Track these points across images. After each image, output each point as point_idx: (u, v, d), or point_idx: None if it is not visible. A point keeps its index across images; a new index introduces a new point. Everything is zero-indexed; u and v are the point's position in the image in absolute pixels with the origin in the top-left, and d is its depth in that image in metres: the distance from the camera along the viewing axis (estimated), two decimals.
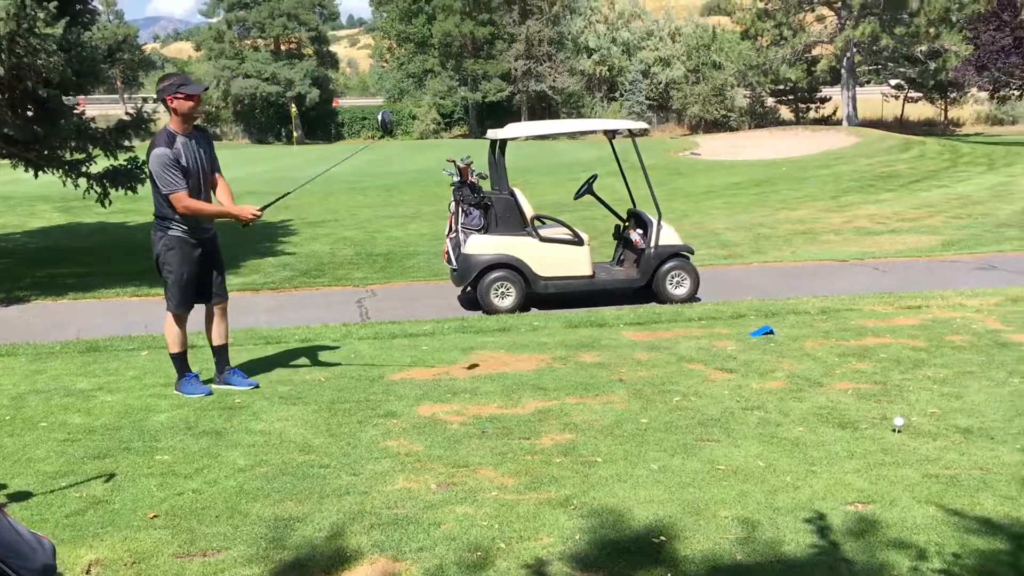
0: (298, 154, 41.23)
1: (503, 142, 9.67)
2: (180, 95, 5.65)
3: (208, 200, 5.95)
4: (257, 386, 6.08)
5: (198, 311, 6.22)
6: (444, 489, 4.33)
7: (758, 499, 4.15)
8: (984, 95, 47.10)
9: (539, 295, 9.38)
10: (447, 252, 9.85)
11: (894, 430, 5.00)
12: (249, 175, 27.98)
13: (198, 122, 6.10)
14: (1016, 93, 40.77)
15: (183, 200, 5.67)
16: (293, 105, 51.07)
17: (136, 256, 13.85)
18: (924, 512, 3.99)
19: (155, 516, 4.05)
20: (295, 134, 50.10)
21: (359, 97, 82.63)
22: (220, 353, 6.18)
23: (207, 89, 5.83)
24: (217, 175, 6.02)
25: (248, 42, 57.44)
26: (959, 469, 4.47)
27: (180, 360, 6.04)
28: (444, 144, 47.06)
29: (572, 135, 43.99)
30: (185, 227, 5.81)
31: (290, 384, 6.17)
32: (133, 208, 18.53)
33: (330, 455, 4.79)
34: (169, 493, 4.30)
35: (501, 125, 10.65)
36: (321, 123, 57.01)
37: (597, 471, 4.52)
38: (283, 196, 6.57)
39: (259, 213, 5.87)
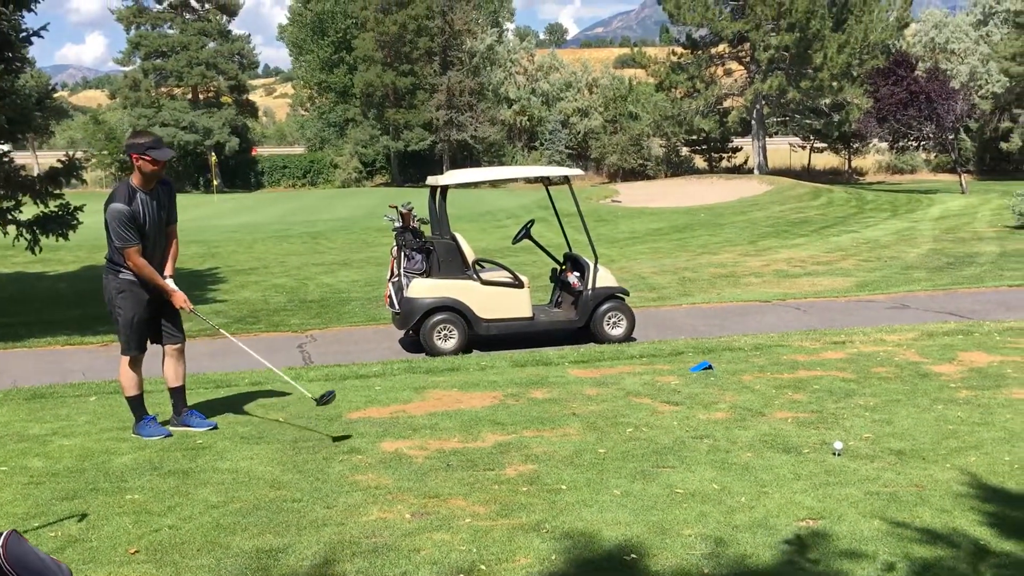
0: (218, 203, 40.79)
1: (443, 188, 9.92)
2: (147, 157, 5.73)
3: (162, 251, 6.05)
4: (216, 427, 6.12)
5: (154, 356, 6.24)
6: (419, 518, 4.47)
7: (717, 518, 4.41)
8: (884, 145, 49.52)
9: (481, 337, 9.59)
10: (389, 296, 10.00)
11: (834, 453, 5.34)
12: None
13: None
14: (913, 144, 43.04)
15: (132, 257, 5.79)
16: (213, 154, 50.55)
17: (61, 305, 13.61)
18: (869, 526, 4.30)
19: (136, 552, 4.09)
20: (215, 183, 49.53)
21: (277, 146, 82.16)
22: (177, 394, 6.20)
23: (174, 157, 5.96)
24: (172, 226, 6.11)
25: (165, 90, 56.75)
26: (897, 487, 4.82)
27: (137, 403, 6.05)
28: (366, 192, 47.14)
29: (495, 183, 44.59)
30: (133, 274, 5.89)
31: (249, 424, 6.23)
32: (52, 257, 18.16)
33: (301, 490, 4.89)
34: (146, 530, 4.34)
35: (423, 174, 10.94)
36: (240, 172, 56.45)
37: (563, 497, 4.72)
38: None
39: (188, 308, 6.01)
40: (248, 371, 8.20)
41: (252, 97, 62.98)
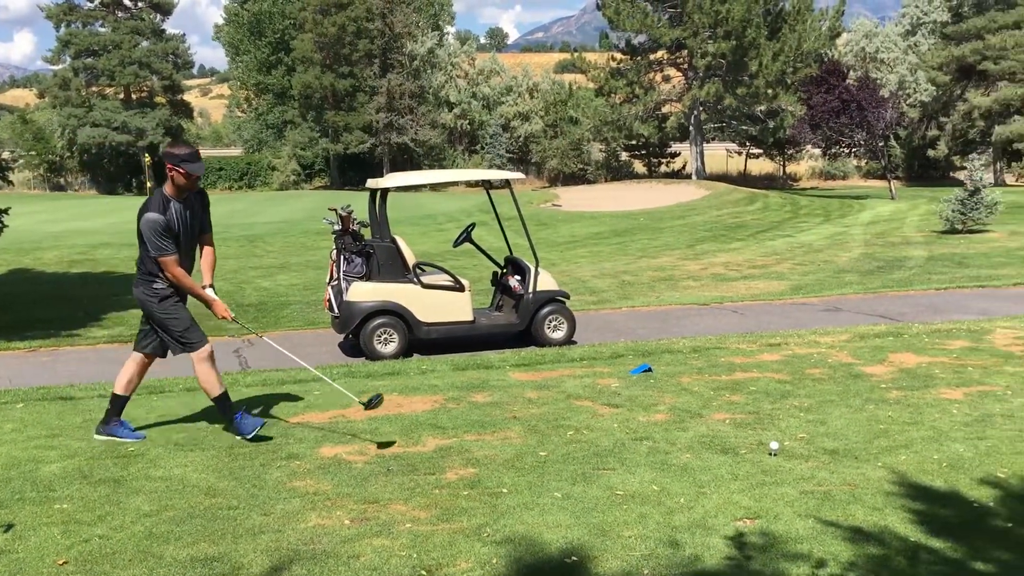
0: None
1: (384, 191, 9.85)
2: (181, 170, 5.67)
3: (192, 260, 5.97)
4: (144, 437, 5.96)
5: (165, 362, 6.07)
6: (358, 524, 4.42)
7: (657, 520, 4.45)
8: (818, 152, 50.62)
9: (422, 341, 9.54)
10: (328, 300, 9.89)
11: (770, 454, 5.42)
12: (105, 226, 26.90)
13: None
14: (845, 151, 44.05)
15: (170, 266, 5.72)
16: (147, 155, 49.47)
17: None
18: (804, 524, 4.38)
19: (65, 563, 3.97)
20: (148, 184, 48.50)
21: (213, 147, 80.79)
22: (118, 403, 6.02)
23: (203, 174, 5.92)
24: (207, 235, 6.06)
25: (96, 90, 55.42)
26: (831, 486, 4.91)
27: (224, 400, 5.96)
28: (305, 195, 46.61)
29: (435, 186, 44.47)
30: (169, 283, 5.82)
31: (184, 431, 6.10)
32: None
33: (237, 497, 4.80)
34: (75, 540, 4.22)
35: (363, 177, 10.87)
36: None
37: (504, 501, 4.72)
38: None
39: (228, 317, 5.94)
40: (183, 377, 8.03)
41: (187, 98, 61.88)
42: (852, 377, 7.48)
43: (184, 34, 57.50)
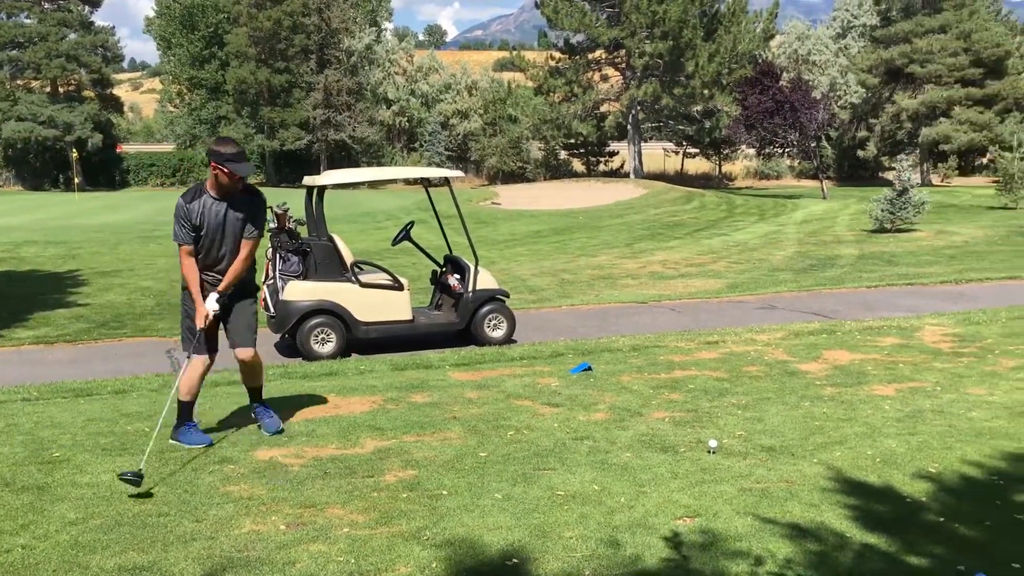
0: (80, 202, 38.86)
1: (320, 189, 9.69)
2: (225, 169, 5.48)
3: (221, 260, 5.71)
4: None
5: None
6: (294, 529, 4.32)
7: (598, 520, 4.43)
8: (752, 152, 51.49)
9: (360, 340, 9.41)
10: (264, 299, 9.69)
11: (709, 451, 5.45)
12: (31, 223, 26.08)
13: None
14: (779, 151, 44.89)
15: (181, 255, 5.64)
16: (74, 150, 48.09)
17: None
18: (743, 522, 4.40)
19: None
20: (76, 180, 47.17)
21: (145, 143, 79.01)
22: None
23: (248, 175, 5.73)
24: (247, 240, 5.72)
25: (21, 83, 53.70)
26: (768, 483, 4.95)
27: (188, 408, 5.77)
28: None
29: (373, 184, 44.09)
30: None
31: (111, 435, 5.90)
32: None
33: (168, 503, 4.65)
34: None
35: (299, 174, 10.70)
36: (104, 169, 53.87)
37: (444, 503, 4.65)
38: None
39: (201, 326, 5.63)
40: (111, 379, 7.80)
41: (117, 92, 60.34)
42: (788, 374, 7.58)
43: (114, 27, 55.96)
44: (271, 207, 9.95)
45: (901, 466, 5.18)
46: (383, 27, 66.59)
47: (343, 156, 53.76)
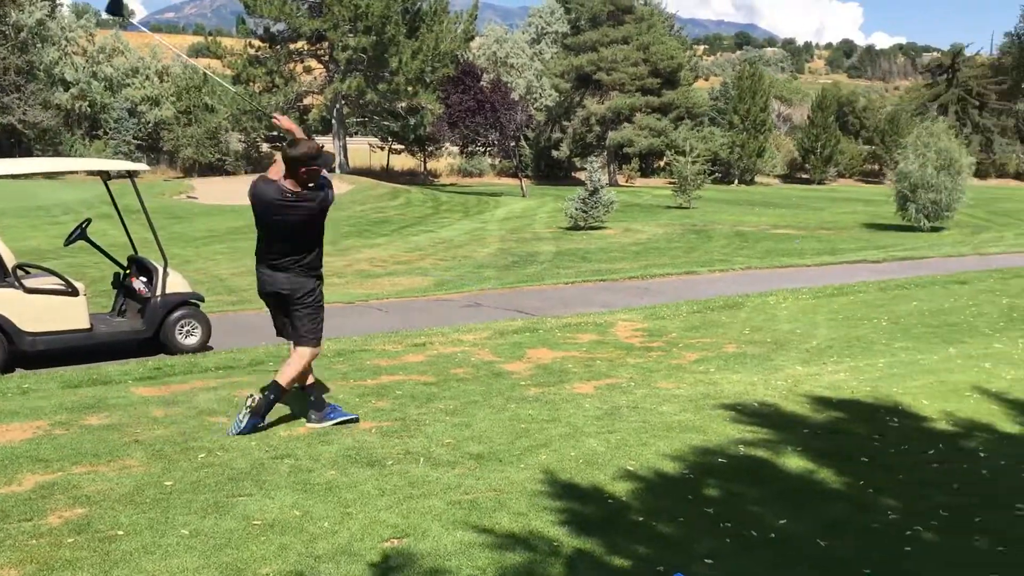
0: None
1: None
2: (315, 167, 5.64)
3: (283, 254, 6.01)
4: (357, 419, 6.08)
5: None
6: None
7: (298, 550, 4.08)
8: (456, 149, 52.67)
9: (27, 354, 8.27)
10: None
11: None
12: None
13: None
14: (481, 149, 46.28)
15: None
16: None
17: None
18: (453, 538, 4.24)
19: None
20: None
21: None
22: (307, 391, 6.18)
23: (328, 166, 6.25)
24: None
25: None
26: (477, 493, 4.84)
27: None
28: None
29: (50, 174, 39.91)
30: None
31: None
32: None
33: None
34: None
35: None
36: None
37: (119, 546, 4.08)
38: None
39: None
40: None
41: None
42: (494, 376, 7.60)
43: None
44: None
45: (603, 466, 5.27)
46: (58, 1, 60.51)
47: (13, 143, 48.23)
